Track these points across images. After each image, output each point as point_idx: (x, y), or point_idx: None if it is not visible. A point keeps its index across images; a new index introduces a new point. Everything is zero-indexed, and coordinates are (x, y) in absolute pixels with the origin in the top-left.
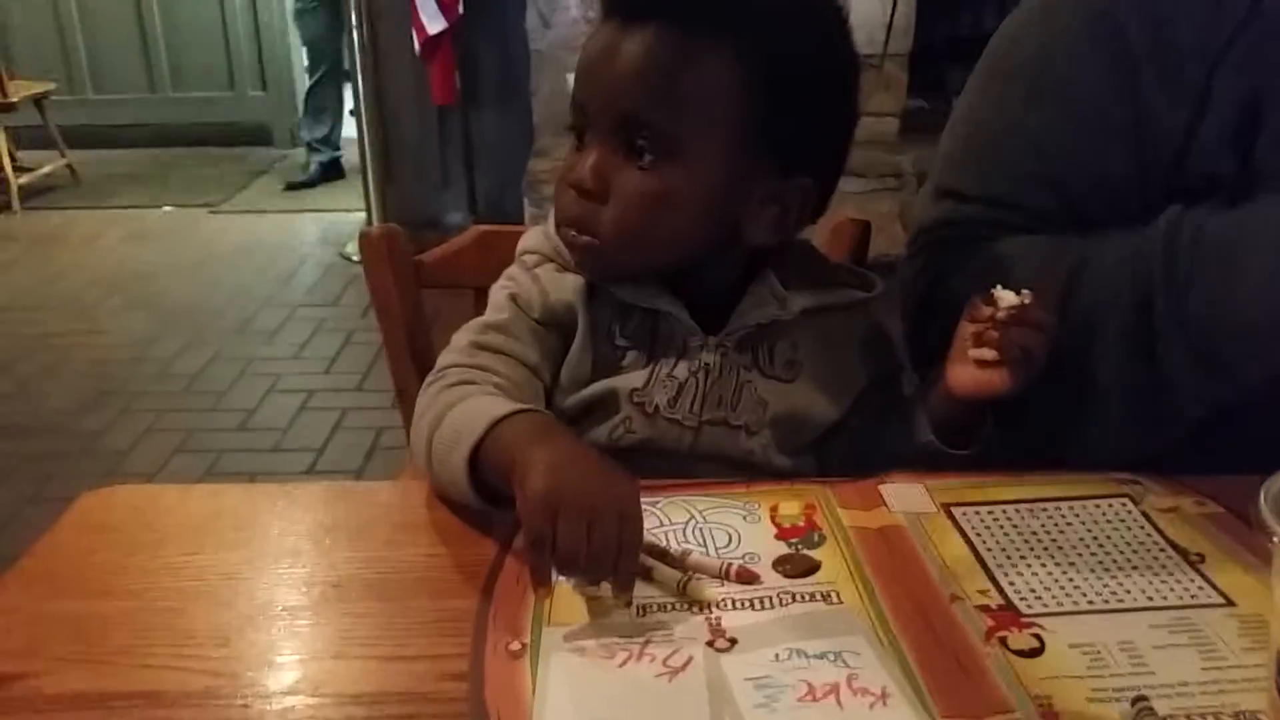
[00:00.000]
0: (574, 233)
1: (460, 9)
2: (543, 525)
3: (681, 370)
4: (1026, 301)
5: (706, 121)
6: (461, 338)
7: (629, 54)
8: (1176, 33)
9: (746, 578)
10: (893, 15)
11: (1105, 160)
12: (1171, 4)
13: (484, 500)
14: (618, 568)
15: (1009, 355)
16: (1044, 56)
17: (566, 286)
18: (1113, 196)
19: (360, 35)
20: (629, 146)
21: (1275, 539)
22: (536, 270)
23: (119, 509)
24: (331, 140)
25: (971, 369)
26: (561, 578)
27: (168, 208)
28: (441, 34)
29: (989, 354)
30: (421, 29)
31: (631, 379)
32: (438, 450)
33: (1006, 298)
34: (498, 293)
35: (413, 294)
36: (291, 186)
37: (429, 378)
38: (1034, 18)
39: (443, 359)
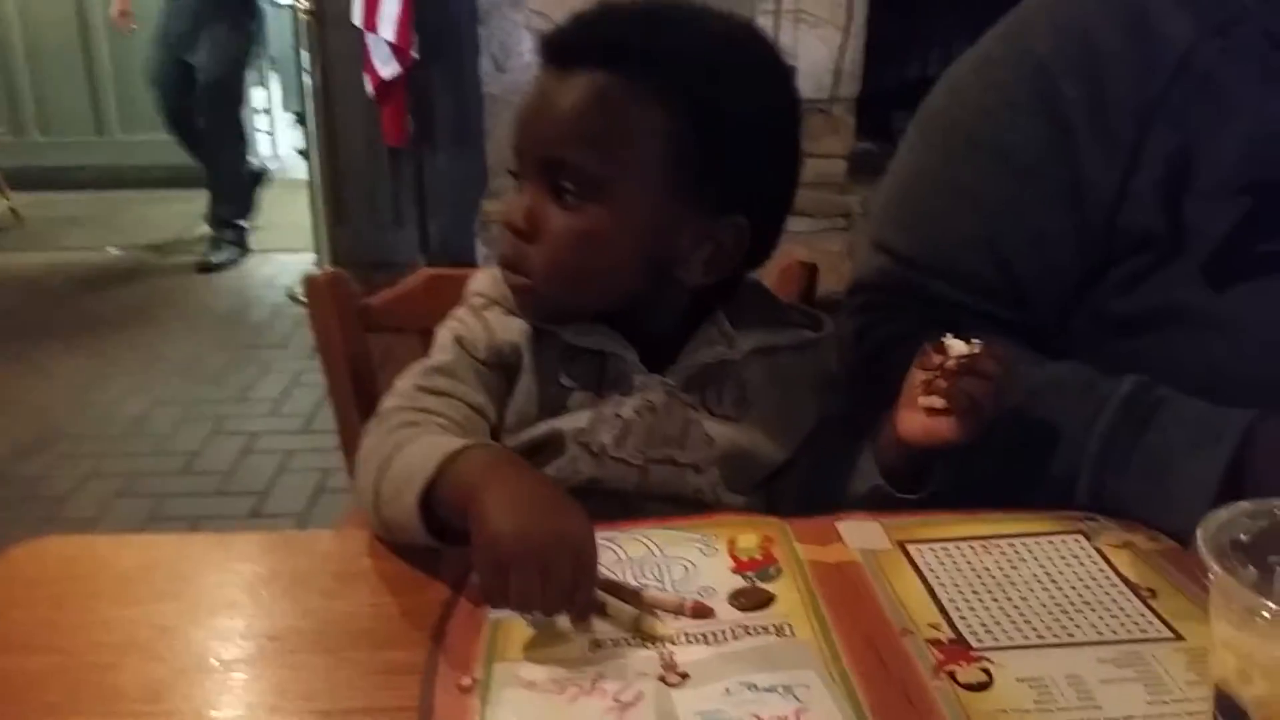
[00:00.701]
0: (510, 273)
1: (414, 54)
2: (498, 575)
3: (627, 410)
4: (976, 350)
5: (630, 163)
6: (406, 381)
7: (557, 99)
8: (1109, 90)
9: (702, 613)
10: (841, 60)
11: (1041, 217)
12: (1104, 62)
13: (435, 538)
14: (573, 603)
15: (958, 405)
16: (980, 112)
17: (513, 328)
18: (1047, 255)
19: (313, 77)
20: (557, 188)
21: (1212, 575)
22: (484, 312)
23: (50, 561)
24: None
25: (921, 416)
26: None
27: (114, 250)
28: (394, 78)
29: (938, 402)
30: (374, 73)
31: (577, 419)
32: (387, 490)
33: (956, 346)
34: (443, 334)
35: (358, 338)
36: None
37: (371, 421)
38: (971, 73)
39: (386, 402)
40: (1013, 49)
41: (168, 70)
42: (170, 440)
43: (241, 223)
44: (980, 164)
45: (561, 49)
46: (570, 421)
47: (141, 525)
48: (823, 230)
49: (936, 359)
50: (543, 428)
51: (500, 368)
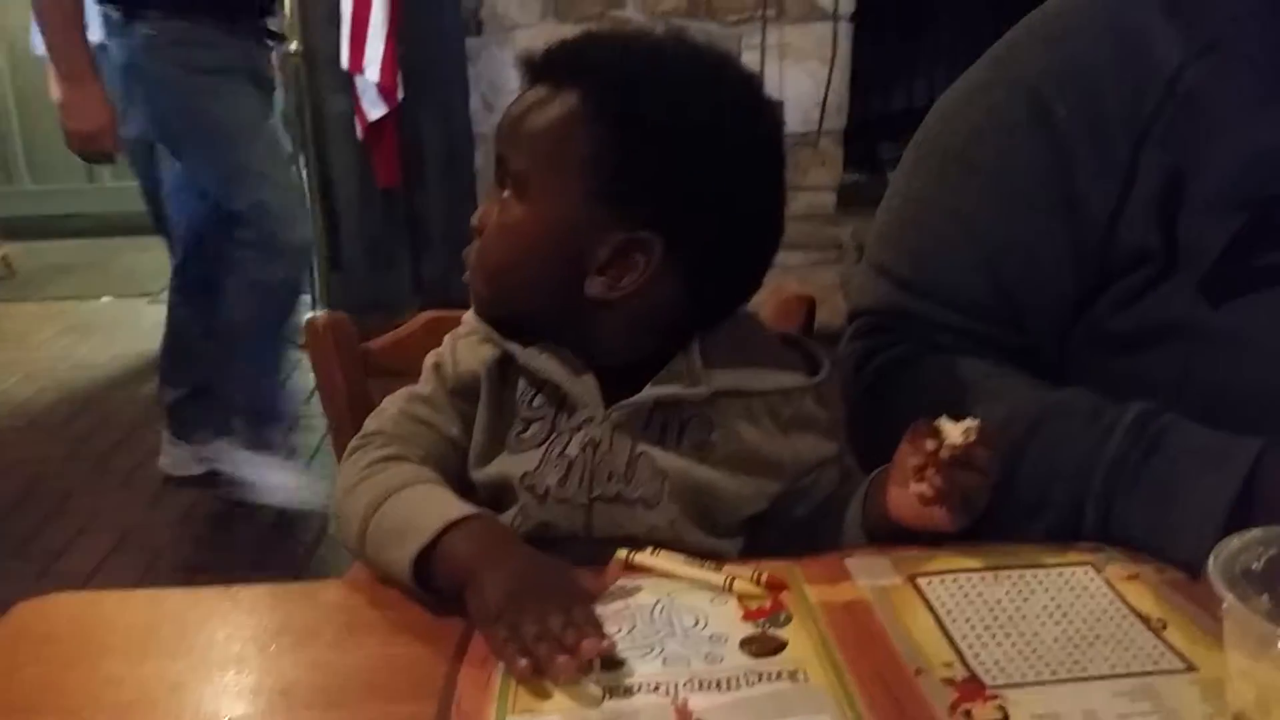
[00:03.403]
0: (467, 273)
1: (400, 94)
2: (502, 632)
3: (573, 447)
4: (971, 439)
5: (549, 162)
6: (391, 405)
7: (511, 107)
8: (1102, 110)
9: (776, 585)
10: (827, 93)
11: (1037, 238)
12: (1096, 83)
13: (425, 592)
14: (578, 639)
15: (948, 500)
16: (976, 136)
17: (476, 357)
18: (1044, 275)
19: (303, 120)
20: (501, 185)
21: (1225, 604)
22: (459, 340)
23: (56, 618)
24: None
25: (913, 499)
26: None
27: (106, 298)
28: (383, 119)
29: (929, 491)
30: (363, 116)
31: (525, 461)
32: (376, 535)
33: (950, 433)
34: (427, 361)
35: (359, 381)
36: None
37: (354, 441)
38: (966, 98)
39: (370, 423)
40: (1004, 73)
41: None
42: (168, 490)
43: None
44: (975, 187)
45: (524, 65)
46: (519, 464)
47: (140, 578)
48: (815, 263)
49: (930, 444)
50: (492, 470)
51: (468, 396)
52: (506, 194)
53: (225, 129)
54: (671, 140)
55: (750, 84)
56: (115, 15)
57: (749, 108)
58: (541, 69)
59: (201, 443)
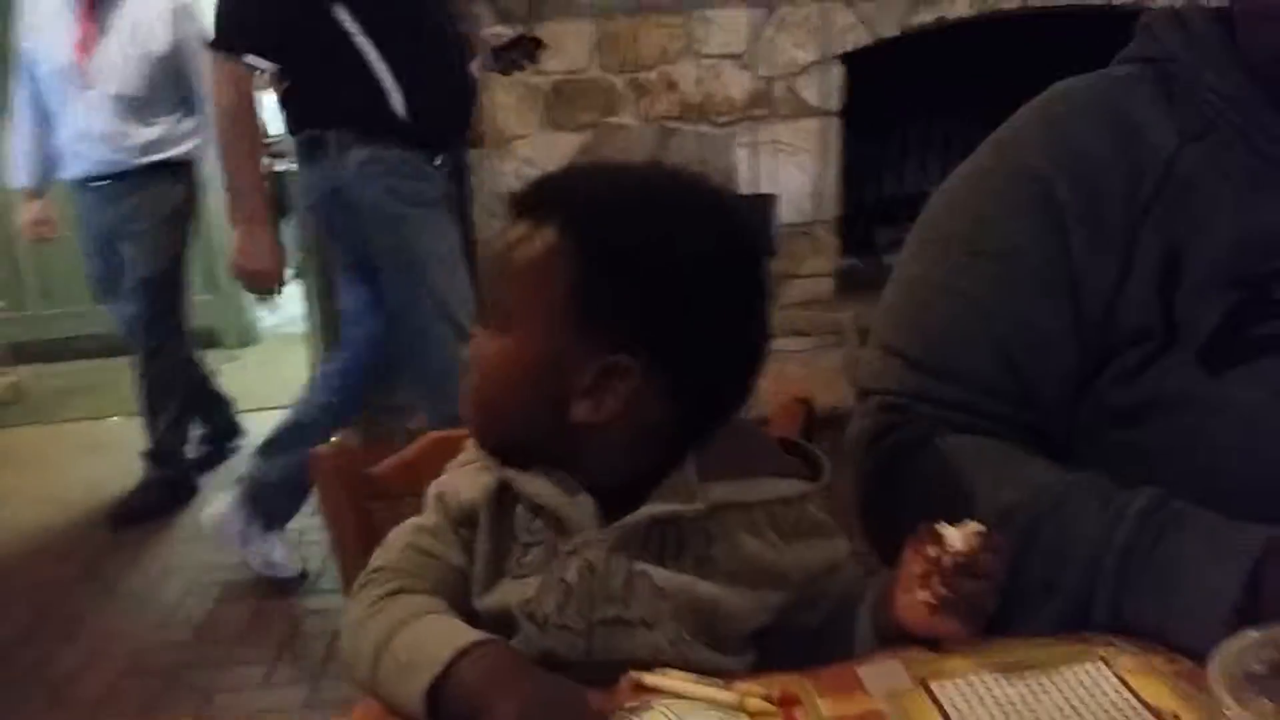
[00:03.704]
0: (461, 408)
1: None
2: None
3: (571, 572)
4: (974, 545)
5: (525, 296)
6: (396, 538)
7: (494, 244)
8: (1102, 194)
9: (790, 701)
10: (820, 185)
11: (1043, 318)
12: (1095, 168)
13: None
14: None
15: (954, 608)
16: (979, 221)
17: (475, 485)
18: (1050, 354)
19: (306, 233)
20: (487, 320)
21: (1227, 712)
22: (460, 470)
23: None
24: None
25: (922, 607)
26: None
27: (116, 418)
28: None
29: (934, 599)
30: None
31: (525, 588)
32: (386, 670)
33: (952, 539)
34: (431, 490)
35: (365, 508)
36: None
37: (362, 577)
38: (967, 184)
39: (377, 558)
40: (1005, 159)
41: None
42: (177, 611)
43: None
44: (981, 270)
45: (509, 202)
46: (518, 591)
47: (152, 702)
48: (816, 348)
49: (932, 552)
50: (493, 599)
51: (469, 526)
52: (491, 328)
53: (433, 257)
54: (640, 268)
55: (723, 204)
56: (331, 139)
57: (719, 229)
58: (520, 206)
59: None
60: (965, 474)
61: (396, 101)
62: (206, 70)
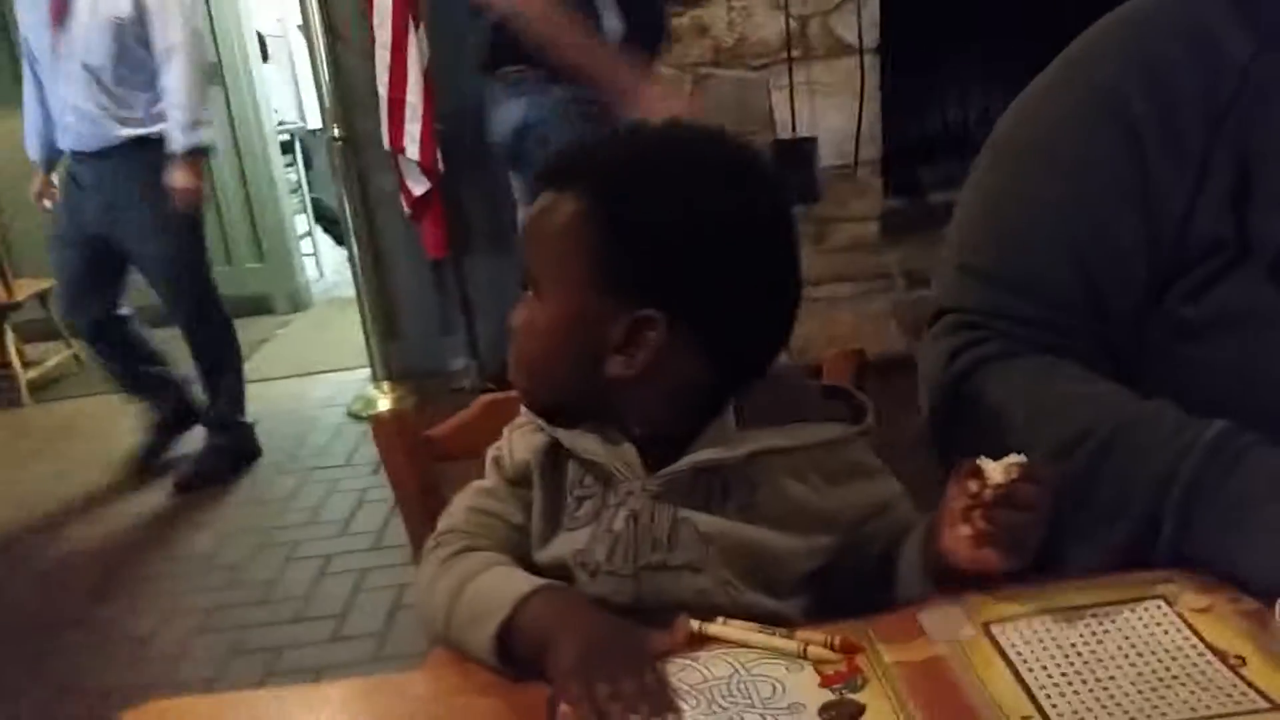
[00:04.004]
0: (509, 372)
1: (442, 168)
2: (581, 694)
3: (619, 521)
4: (1013, 477)
5: (554, 261)
6: (460, 501)
7: (528, 214)
8: (1177, 104)
9: (851, 648)
10: (860, 125)
11: (1119, 229)
12: (1171, 78)
13: (510, 668)
14: (652, 700)
15: (996, 541)
16: (1054, 132)
17: (527, 445)
18: (1125, 265)
19: (351, 197)
20: (525, 286)
21: None
22: (514, 432)
23: None
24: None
25: (966, 540)
26: None
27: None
28: (428, 193)
29: (977, 534)
30: (408, 192)
31: (577, 539)
32: (459, 621)
33: (992, 472)
34: (488, 454)
35: (426, 469)
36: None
37: (430, 541)
38: (1041, 98)
39: (443, 522)
40: (1079, 72)
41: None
42: (244, 571)
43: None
44: (1058, 178)
45: (537, 175)
46: (570, 543)
47: (224, 659)
48: (864, 293)
49: (972, 485)
50: (549, 552)
51: (524, 484)
52: (530, 294)
53: None
54: (660, 230)
55: (745, 163)
56: (532, 76)
57: (737, 183)
58: (547, 176)
59: None
60: (1039, 394)
61: (612, 31)
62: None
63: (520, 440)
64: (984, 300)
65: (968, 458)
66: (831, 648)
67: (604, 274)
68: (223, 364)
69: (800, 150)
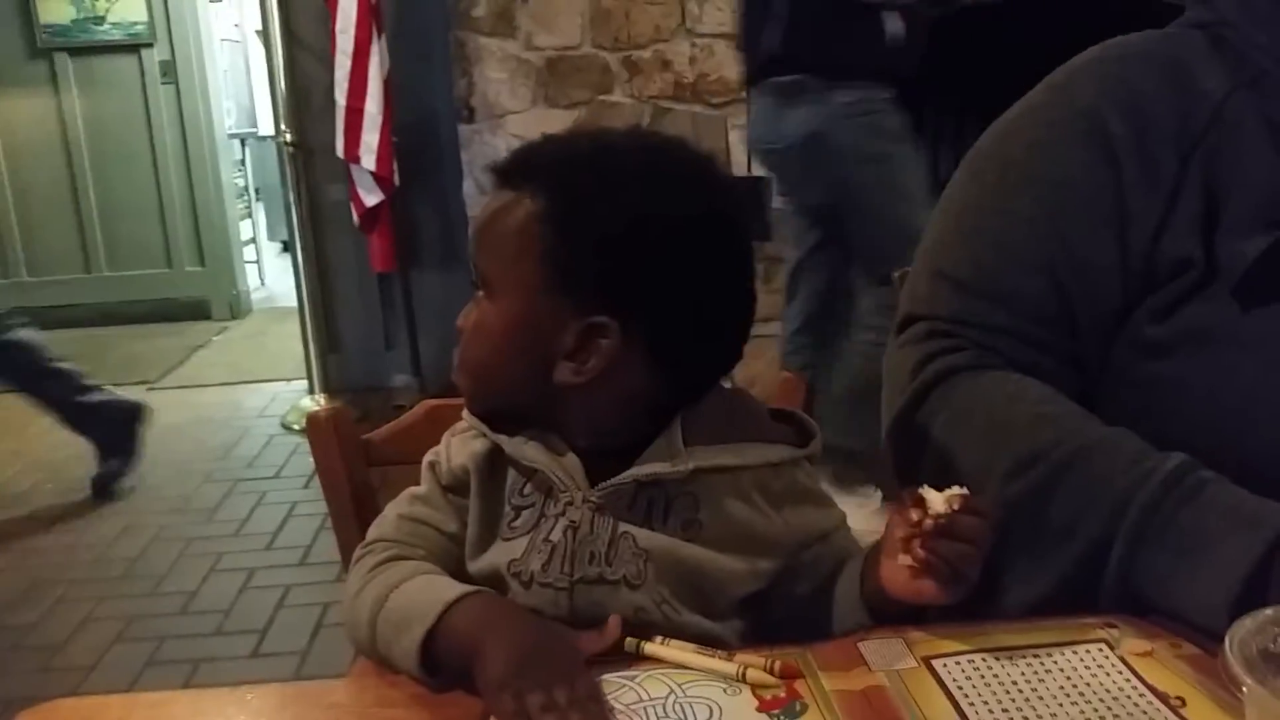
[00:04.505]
0: (454, 373)
1: (396, 181)
2: (510, 704)
3: (556, 532)
4: (955, 508)
5: (507, 262)
6: (391, 509)
7: (478, 213)
8: (1153, 129)
9: (790, 673)
10: None
11: (1094, 246)
12: (1148, 106)
13: (434, 678)
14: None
15: (935, 571)
16: (1033, 150)
17: (466, 451)
18: (1097, 283)
19: (300, 205)
20: (475, 287)
21: (1245, 689)
22: (453, 437)
23: None
24: None
25: (904, 570)
26: None
27: (105, 387)
28: (379, 205)
29: (916, 564)
30: (359, 202)
31: (512, 548)
32: (383, 631)
33: (934, 502)
34: (424, 460)
35: (361, 473)
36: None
37: (358, 550)
38: (1022, 117)
39: (372, 531)
40: (1060, 96)
41: None
42: (166, 580)
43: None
44: (1035, 194)
45: (491, 172)
46: (507, 553)
47: (140, 670)
48: None
49: (914, 514)
50: (484, 562)
51: (461, 490)
52: (480, 295)
53: (903, 194)
54: (612, 230)
55: (698, 166)
56: (812, 83)
57: (695, 190)
58: (501, 175)
59: None
60: (1002, 410)
61: (894, 37)
62: None
63: (460, 446)
64: (957, 308)
65: (924, 469)
66: (771, 672)
67: (558, 277)
68: (31, 377)
69: (751, 189)
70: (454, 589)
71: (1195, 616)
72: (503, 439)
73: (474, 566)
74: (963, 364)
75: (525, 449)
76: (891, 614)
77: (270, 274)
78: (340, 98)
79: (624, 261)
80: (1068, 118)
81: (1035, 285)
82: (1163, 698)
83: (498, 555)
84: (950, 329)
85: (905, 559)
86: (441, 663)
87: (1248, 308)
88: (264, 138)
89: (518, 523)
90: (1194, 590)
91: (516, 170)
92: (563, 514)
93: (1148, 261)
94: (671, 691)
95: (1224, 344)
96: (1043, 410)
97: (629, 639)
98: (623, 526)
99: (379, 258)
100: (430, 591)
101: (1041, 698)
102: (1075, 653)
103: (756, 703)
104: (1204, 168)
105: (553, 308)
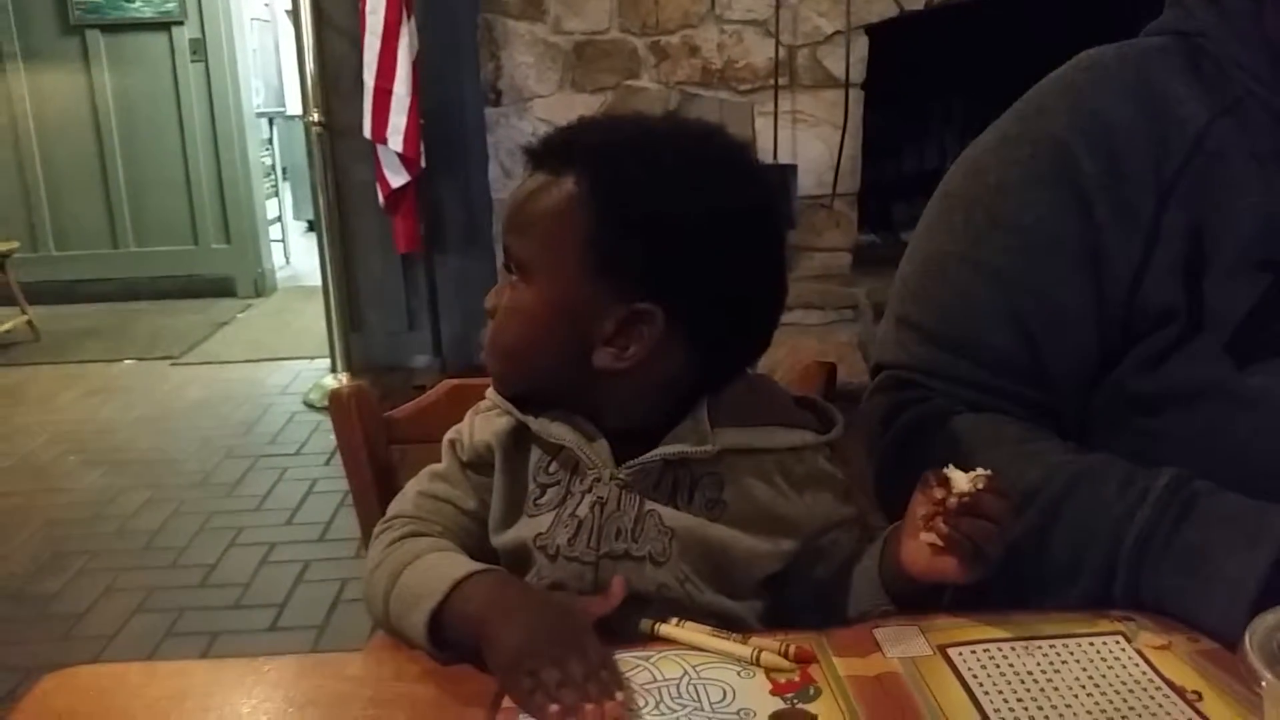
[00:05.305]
0: (483, 353)
1: (423, 163)
2: (523, 681)
3: (583, 508)
4: (980, 487)
5: (548, 246)
6: (411, 486)
7: (514, 195)
8: (1127, 166)
9: (805, 658)
10: (840, 158)
11: (1065, 292)
12: (1122, 140)
13: (444, 653)
14: (599, 683)
15: (958, 548)
16: (1000, 190)
17: (490, 428)
18: (1069, 331)
19: (326, 184)
20: (509, 269)
21: (1264, 683)
22: (475, 415)
23: (82, 692)
24: None
25: (924, 549)
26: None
27: (129, 361)
28: (405, 186)
29: (937, 540)
30: (385, 183)
31: (538, 523)
32: (395, 606)
33: (959, 481)
34: (446, 438)
35: (382, 450)
36: None
37: (378, 527)
38: (989, 152)
39: (392, 507)
40: (1030, 128)
41: None
42: (187, 553)
43: None
44: (1002, 241)
45: (524, 153)
46: (532, 527)
47: (159, 641)
48: (831, 322)
49: (938, 493)
50: (510, 535)
51: (483, 468)
52: (514, 277)
53: None
54: (660, 217)
55: (739, 155)
56: None
57: (737, 179)
58: (539, 157)
59: None
60: (983, 451)
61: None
62: None
63: (482, 424)
64: (921, 358)
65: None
66: (786, 656)
67: (600, 262)
68: None
69: (777, 176)
70: (464, 566)
71: (1211, 631)
72: (531, 419)
73: (499, 540)
74: (933, 413)
75: (552, 427)
76: (908, 596)
77: (295, 253)
78: (369, 79)
79: (671, 248)
80: (1036, 155)
81: (1002, 337)
82: (1179, 691)
83: (524, 529)
84: (916, 378)
85: (928, 536)
86: (450, 639)
87: (1244, 364)
88: (292, 117)
89: (543, 499)
90: (1205, 608)
91: (557, 153)
92: (589, 490)
93: (1127, 309)
94: (686, 673)
95: (1218, 400)
96: (1024, 449)
97: (644, 620)
98: (649, 504)
99: (403, 239)
100: (442, 568)
101: (1056, 688)
102: (1091, 644)
103: (770, 686)
104: (1185, 207)
105: (593, 293)
